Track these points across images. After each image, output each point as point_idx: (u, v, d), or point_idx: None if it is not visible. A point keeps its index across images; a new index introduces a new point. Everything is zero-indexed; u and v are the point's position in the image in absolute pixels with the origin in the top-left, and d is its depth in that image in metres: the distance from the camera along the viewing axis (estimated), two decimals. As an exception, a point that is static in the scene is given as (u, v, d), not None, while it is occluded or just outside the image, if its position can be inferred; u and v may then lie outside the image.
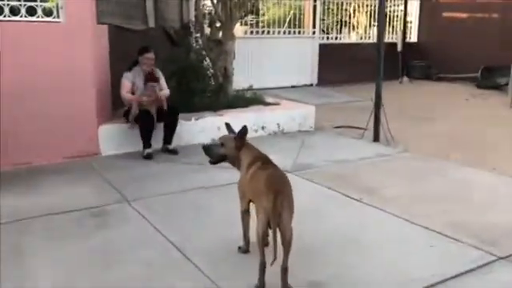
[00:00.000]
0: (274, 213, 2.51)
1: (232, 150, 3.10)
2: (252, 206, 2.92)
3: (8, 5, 4.77)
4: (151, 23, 6.96)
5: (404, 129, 6.77)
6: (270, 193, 2.56)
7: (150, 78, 5.36)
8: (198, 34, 8.00)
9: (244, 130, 3.12)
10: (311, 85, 12.02)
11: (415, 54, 13.53)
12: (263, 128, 6.56)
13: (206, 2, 8.47)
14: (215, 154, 3.12)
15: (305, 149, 5.85)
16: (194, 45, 7.27)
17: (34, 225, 3.59)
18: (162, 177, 4.72)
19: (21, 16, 4.85)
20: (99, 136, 5.40)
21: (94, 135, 5.35)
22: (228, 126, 3.17)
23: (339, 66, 12.12)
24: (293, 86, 11.64)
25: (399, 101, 8.94)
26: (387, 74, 13.14)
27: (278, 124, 6.68)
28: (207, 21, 7.72)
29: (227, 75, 7.12)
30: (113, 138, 5.50)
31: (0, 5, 4.75)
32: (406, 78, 13.19)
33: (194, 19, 9.20)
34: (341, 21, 13.35)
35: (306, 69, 11.87)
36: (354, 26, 14.78)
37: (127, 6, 6.54)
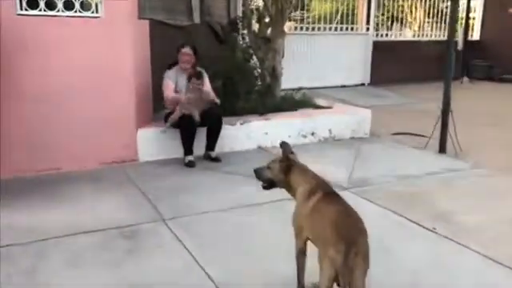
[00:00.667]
0: (345, 269, 1.95)
1: (278, 173, 2.58)
2: (311, 246, 2.39)
3: (43, -1, 4.43)
4: (196, 19, 6.50)
5: (471, 137, 6.00)
6: (341, 242, 2.01)
7: (193, 74, 4.89)
8: (245, 31, 7.52)
9: (284, 147, 2.58)
10: (363, 84, 11.33)
11: (477, 52, 12.53)
12: (313, 134, 5.99)
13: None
14: (264, 178, 2.60)
15: (361, 160, 5.24)
16: (241, 42, 6.78)
17: (52, 247, 3.14)
18: (203, 189, 4.25)
19: (57, 11, 4.49)
20: (137, 141, 5.00)
21: (132, 140, 4.96)
22: (283, 145, 2.62)
23: (393, 64, 11.37)
24: (343, 86, 11.00)
25: (460, 103, 8.07)
26: (446, 74, 12.32)
27: (329, 130, 6.09)
28: (255, 16, 7.22)
29: (275, 75, 6.59)
30: (152, 144, 5.09)
31: (35, -1, 4.42)
32: (466, 79, 12.22)
33: (241, 15, 8.75)
34: (393, 17, 12.55)
35: (358, 67, 11.20)
36: (408, 23, 13.92)
37: (171, 0, 6.12)
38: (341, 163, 5.10)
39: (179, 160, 5.03)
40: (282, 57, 6.67)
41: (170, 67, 5.02)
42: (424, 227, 3.48)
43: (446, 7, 12.86)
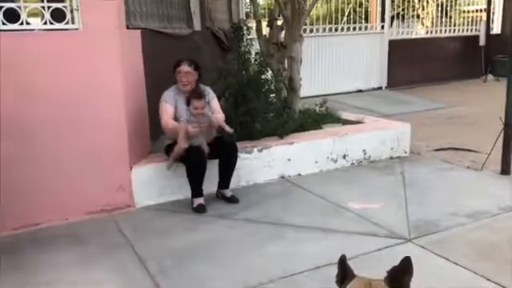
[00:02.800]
0: None
1: None
2: None
3: (1, 8, 3.41)
4: (197, 25, 5.49)
5: None
6: None
7: (192, 95, 3.89)
8: (250, 36, 6.53)
9: (342, 271, 1.54)
10: (380, 88, 10.32)
11: (499, 47, 11.50)
12: (345, 157, 4.97)
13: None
14: None
15: (412, 190, 4.22)
16: (246, 49, 5.78)
17: None
18: (219, 251, 3.21)
19: (21, 23, 3.48)
20: (132, 181, 3.97)
21: (126, 181, 3.94)
22: (341, 262, 1.56)
23: (411, 64, 10.40)
24: (359, 91, 10.00)
25: (489, 105, 7.11)
26: (468, 72, 11.32)
27: (363, 150, 5.06)
28: (266, 19, 6.22)
29: (293, 87, 5.58)
30: (151, 183, 4.07)
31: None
32: (490, 76, 11.20)
33: (245, 18, 7.76)
34: (402, 12, 11.57)
35: (374, 70, 10.20)
36: (420, 19, 12.95)
37: (166, 5, 5.10)
38: (388, 197, 4.08)
39: (185, 202, 4.01)
40: (300, 64, 5.66)
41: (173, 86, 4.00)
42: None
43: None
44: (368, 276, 1.52)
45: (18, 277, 2.92)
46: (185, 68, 3.93)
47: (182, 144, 3.77)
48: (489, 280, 2.71)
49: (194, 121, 3.85)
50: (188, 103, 3.89)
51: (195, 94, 3.89)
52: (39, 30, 3.65)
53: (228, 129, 3.86)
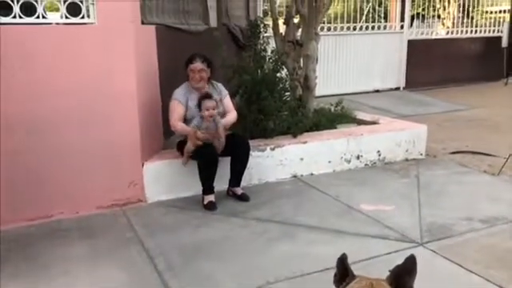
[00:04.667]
0: None
1: None
2: None
3: (18, 1, 3.43)
4: (213, 21, 5.47)
5: None
6: None
7: (203, 97, 3.84)
8: (266, 34, 6.49)
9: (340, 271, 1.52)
10: (398, 88, 10.19)
11: (522, 49, 11.27)
12: (358, 157, 4.91)
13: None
14: None
15: (426, 193, 4.14)
16: (262, 47, 5.75)
17: None
18: (229, 250, 3.18)
19: (37, 16, 3.50)
20: (144, 177, 3.98)
21: (137, 176, 3.94)
22: (340, 261, 1.52)
23: (430, 65, 10.23)
24: (376, 91, 9.88)
25: (509, 108, 6.95)
26: (489, 74, 11.09)
27: (378, 151, 4.99)
28: (282, 16, 6.18)
29: (308, 86, 5.53)
30: (162, 179, 4.07)
31: (7, 1, 3.41)
32: (512, 79, 10.97)
33: (262, 15, 7.73)
34: (423, 12, 11.36)
35: (392, 70, 10.06)
36: (441, 19, 12.74)
37: (182, 0, 5.09)
38: (402, 199, 4.01)
39: (196, 199, 4.00)
40: (316, 63, 5.60)
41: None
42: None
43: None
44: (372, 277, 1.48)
45: (30, 269, 2.95)
46: (198, 65, 3.90)
47: (191, 145, 3.76)
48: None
49: (203, 127, 3.80)
50: (199, 106, 3.82)
51: (205, 96, 3.83)
52: (56, 23, 3.68)
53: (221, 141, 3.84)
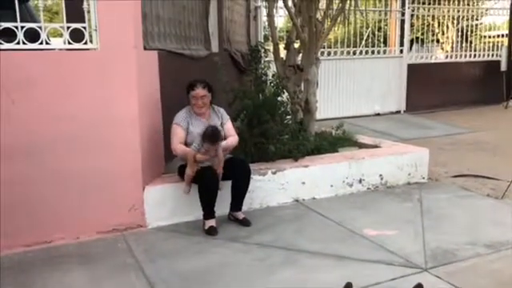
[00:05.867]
0: None
1: None
2: None
3: (22, 28, 3.48)
4: (215, 47, 5.53)
5: None
6: None
7: (207, 138, 3.69)
8: (267, 58, 6.57)
9: None
10: (398, 112, 10.24)
11: (521, 73, 11.33)
12: (361, 181, 4.88)
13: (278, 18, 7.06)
14: None
15: (429, 218, 4.10)
16: (263, 71, 5.80)
17: None
18: (230, 278, 3.13)
19: (40, 42, 3.54)
20: (145, 201, 3.95)
21: (138, 201, 3.92)
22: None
23: (429, 89, 10.32)
24: (377, 114, 9.93)
25: (510, 131, 6.92)
26: (488, 98, 11.14)
27: (380, 175, 4.97)
28: (283, 41, 6.25)
29: (309, 109, 5.55)
30: (163, 204, 4.04)
31: (11, 27, 3.45)
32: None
33: (263, 40, 7.82)
34: (422, 36, 11.50)
35: (393, 93, 10.14)
36: (440, 44, 12.89)
37: (184, 26, 5.15)
38: (405, 224, 3.97)
39: (197, 224, 3.97)
40: (317, 87, 5.63)
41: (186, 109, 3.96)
42: None
43: (480, 24, 11.82)
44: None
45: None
46: (200, 92, 3.91)
47: (190, 171, 3.75)
48: (510, 315, 2.58)
49: (203, 150, 3.77)
50: (203, 141, 3.70)
51: (210, 138, 3.67)
52: (59, 49, 3.71)
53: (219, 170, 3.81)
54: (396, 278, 2.99)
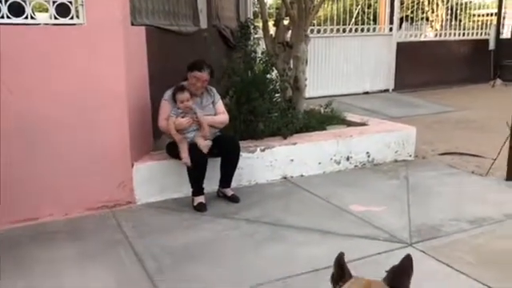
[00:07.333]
0: None
1: None
2: None
3: (6, 1, 3.40)
4: (203, 23, 5.46)
5: None
6: None
7: (176, 90, 3.82)
8: (257, 35, 6.52)
9: (337, 271, 1.49)
10: (387, 90, 10.26)
11: (509, 51, 11.38)
12: (348, 159, 4.93)
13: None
14: None
15: (415, 194, 4.17)
16: (252, 48, 5.78)
17: None
18: (219, 252, 3.17)
19: (25, 17, 3.47)
20: (134, 178, 3.96)
21: (127, 177, 3.93)
22: (337, 261, 1.50)
23: (418, 67, 10.32)
24: (366, 92, 9.94)
25: (496, 110, 6.98)
26: (476, 76, 11.21)
27: (367, 153, 5.02)
28: (272, 18, 6.19)
29: (298, 87, 5.55)
30: (152, 180, 4.05)
31: (-5, 2, 3.38)
32: (499, 81, 11.10)
33: (252, 16, 7.75)
34: (412, 15, 11.44)
35: (382, 72, 10.13)
36: (429, 22, 12.85)
37: (172, 2, 5.08)
38: (391, 201, 4.03)
39: (186, 200, 3.99)
40: (306, 65, 5.62)
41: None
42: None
43: (470, 2, 11.80)
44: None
45: (15, 272, 2.91)
46: (204, 75, 3.88)
47: (176, 138, 3.76)
48: (490, 288, 2.66)
49: (183, 115, 3.79)
50: (174, 98, 3.80)
51: (179, 89, 3.80)
52: (44, 24, 3.64)
53: (203, 144, 3.78)
54: (381, 253, 3.06)
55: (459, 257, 3.01)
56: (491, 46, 11.10)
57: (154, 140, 4.48)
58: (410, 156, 5.26)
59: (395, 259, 1.46)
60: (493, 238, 3.29)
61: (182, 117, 3.77)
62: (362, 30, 9.77)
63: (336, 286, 1.46)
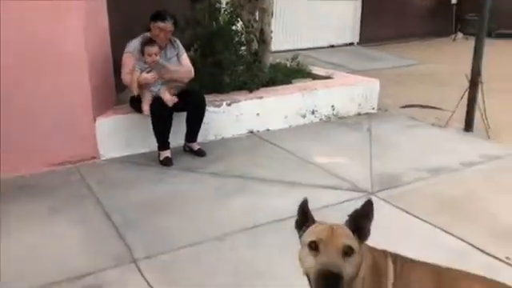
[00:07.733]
0: None
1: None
2: None
3: None
4: (165, -29, 5.24)
5: (491, 107, 4.68)
6: None
7: (146, 43, 3.69)
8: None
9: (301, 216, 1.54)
10: (352, 44, 10.29)
11: (471, 5, 11.51)
12: (313, 113, 4.98)
13: None
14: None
15: (377, 146, 4.29)
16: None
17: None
18: (185, 204, 3.21)
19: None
20: (97, 132, 3.89)
21: (90, 132, 3.85)
22: (301, 207, 1.54)
23: (382, 21, 10.34)
24: (331, 46, 9.95)
25: (457, 63, 7.16)
26: (438, 30, 11.36)
27: (332, 106, 5.08)
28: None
29: (264, 40, 5.47)
30: (117, 135, 3.99)
31: None
32: (460, 35, 11.29)
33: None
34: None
35: (346, 25, 10.11)
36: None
37: None
38: (354, 152, 4.13)
39: (152, 155, 3.97)
40: (272, 17, 5.53)
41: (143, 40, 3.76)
42: (494, 256, 2.57)
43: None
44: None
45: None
46: (168, 26, 3.76)
47: (135, 91, 3.70)
48: (447, 232, 2.81)
49: (147, 70, 3.70)
50: (142, 51, 3.69)
51: (148, 42, 3.69)
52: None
53: (168, 98, 3.70)
54: (344, 202, 3.17)
55: (417, 204, 3.15)
56: (453, 0, 11.20)
57: (118, 93, 4.38)
58: (373, 109, 5.36)
59: (358, 207, 1.52)
60: (450, 185, 3.45)
61: (148, 72, 3.67)
62: (328, -19, 9.62)
63: (300, 231, 1.52)
